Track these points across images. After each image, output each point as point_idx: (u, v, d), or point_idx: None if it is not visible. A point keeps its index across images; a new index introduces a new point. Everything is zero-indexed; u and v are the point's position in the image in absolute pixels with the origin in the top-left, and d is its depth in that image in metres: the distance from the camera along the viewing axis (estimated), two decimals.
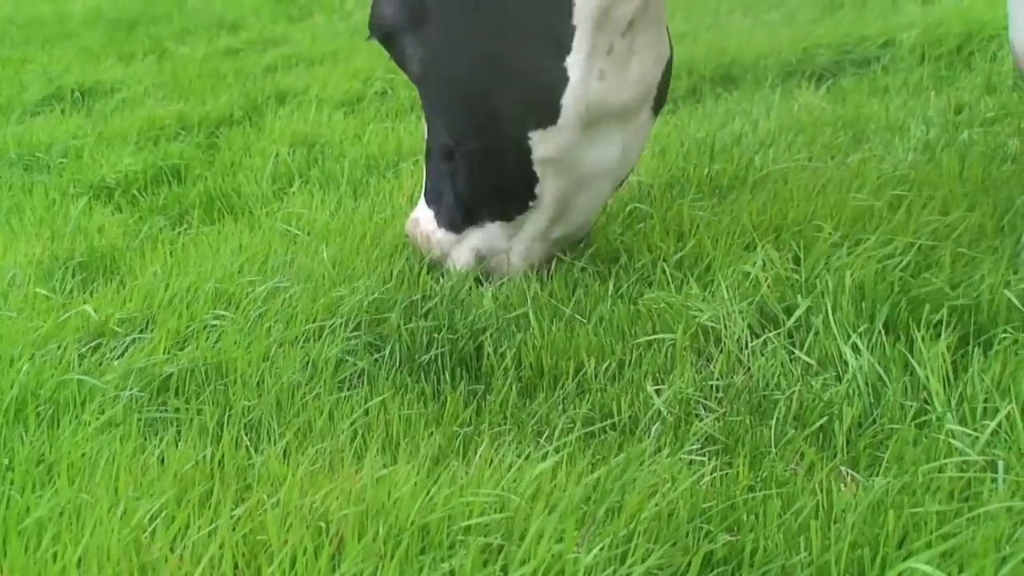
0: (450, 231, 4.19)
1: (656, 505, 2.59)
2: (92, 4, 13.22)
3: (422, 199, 4.29)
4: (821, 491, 2.68)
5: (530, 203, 4.05)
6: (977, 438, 2.79)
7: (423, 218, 4.24)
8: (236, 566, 2.49)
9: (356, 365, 3.52)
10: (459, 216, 4.17)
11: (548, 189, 4.00)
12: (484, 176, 4.05)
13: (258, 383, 3.43)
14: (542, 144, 3.87)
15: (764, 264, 3.85)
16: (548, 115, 3.82)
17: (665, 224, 4.41)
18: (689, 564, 2.42)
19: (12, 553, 2.55)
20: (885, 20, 7.99)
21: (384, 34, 3.99)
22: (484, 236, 4.19)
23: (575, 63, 3.74)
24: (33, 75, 9.52)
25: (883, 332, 3.33)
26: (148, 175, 6.30)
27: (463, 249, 4.21)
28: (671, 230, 4.35)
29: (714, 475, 2.79)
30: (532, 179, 3.98)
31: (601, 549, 2.42)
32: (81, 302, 4.17)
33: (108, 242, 5.04)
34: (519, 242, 4.18)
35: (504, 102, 3.85)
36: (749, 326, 3.53)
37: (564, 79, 3.76)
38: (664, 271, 3.99)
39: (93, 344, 3.82)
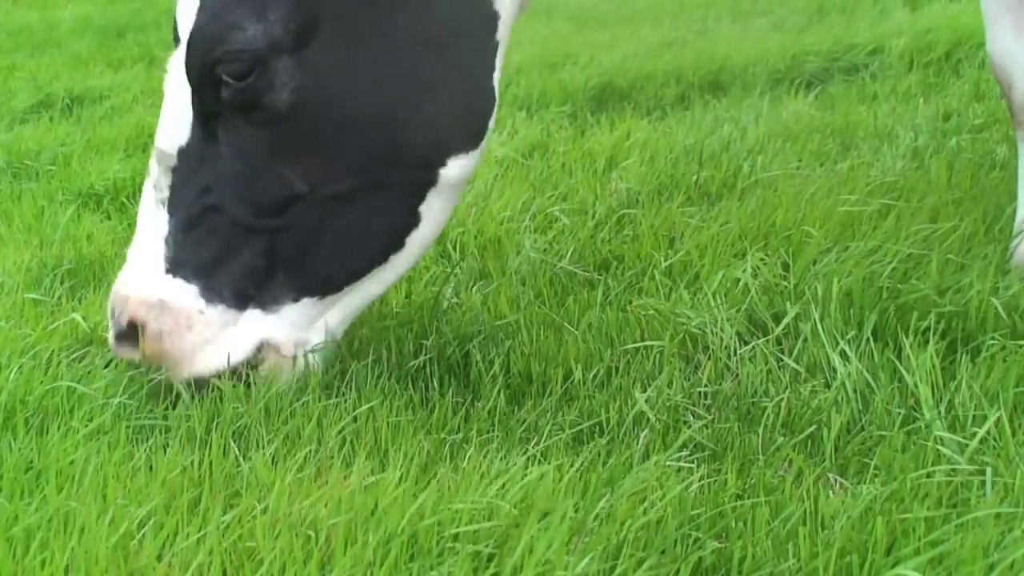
0: (231, 308, 3.36)
1: (645, 513, 2.59)
2: (81, 12, 13.21)
3: (150, 268, 3.36)
4: (809, 498, 2.68)
5: (391, 256, 3.44)
6: (966, 445, 2.80)
7: (170, 292, 3.33)
8: (224, 573, 2.49)
9: (344, 371, 3.52)
10: (251, 289, 3.37)
11: (419, 236, 3.45)
12: (344, 227, 3.35)
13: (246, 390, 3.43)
14: (456, 170, 3.40)
15: (753, 271, 3.85)
16: (474, 138, 3.43)
17: (654, 231, 4.42)
18: (678, 572, 2.42)
19: (0, 560, 2.55)
20: (874, 27, 8.01)
21: (224, 59, 3.20)
22: (280, 321, 3.41)
23: (496, 82, 3.48)
24: (22, 82, 9.51)
25: (871, 339, 3.34)
26: (136, 182, 6.27)
27: (242, 336, 3.38)
28: (660, 237, 4.35)
29: (702, 482, 2.79)
30: (411, 224, 3.42)
31: (592, 558, 2.42)
32: (70, 309, 4.17)
33: (96, 249, 5.03)
34: (318, 328, 3.48)
35: (425, 125, 3.34)
36: (738, 333, 3.54)
37: (492, 99, 3.46)
38: (653, 278, 3.99)
39: (82, 351, 3.82)
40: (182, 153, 3.33)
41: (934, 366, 3.15)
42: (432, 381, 3.47)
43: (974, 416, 2.94)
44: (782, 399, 3.13)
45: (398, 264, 3.47)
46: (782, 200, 4.55)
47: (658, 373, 3.40)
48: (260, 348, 3.40)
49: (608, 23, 9.98)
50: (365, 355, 3.59)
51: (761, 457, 2.92)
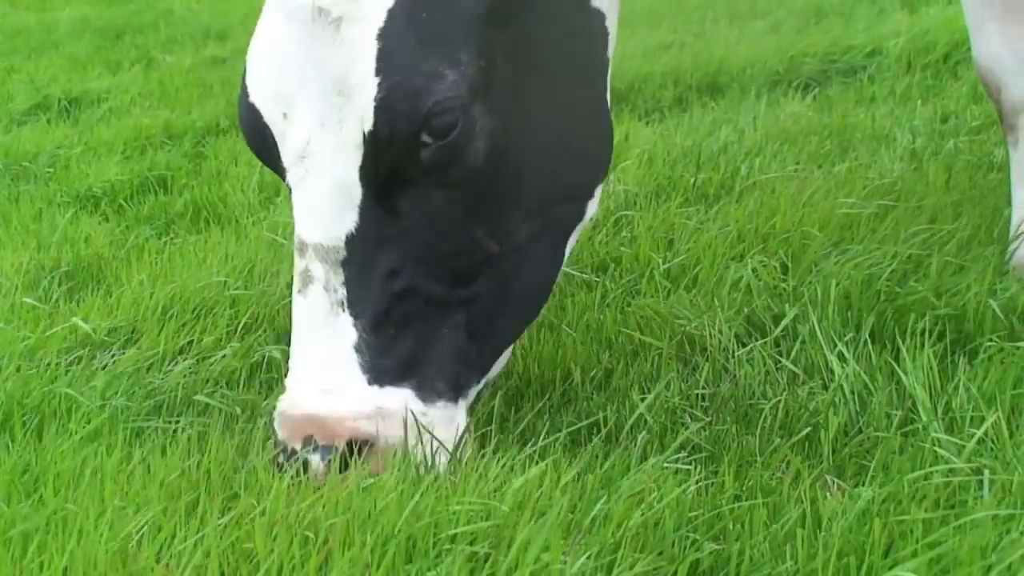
0: (453, 398, 2.96)
1: (642, 514, 2.59)
2: (78, 14, 13.19)
3: (352, 383, 2.87)
4: (807, 499, 2.68)
5: (543, 305, 3.28)
6: (963, 447, 2.80)
7: (385, 402, 2.86)
8: (223, 575, 2.49)
9: None
10: (461, 374, 3.00)
11: (556, 278, 3.27)
12: (521, 281, 3.09)
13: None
14: (596, 200, 3.24)
15: (752, 273, 3.85)
16: (608, 163, 3.31)
17: (652, 233, 4.42)
18: (675, 573, 2.42)
19: None
20: (871, 29, 8.00)
21: (434, 113, 2.80)
22: (467, 401, 3.07)
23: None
24: (19, 84, 9.51)
25: (869, 341, 3.34)
26: (134, 184, 6.30)
27: (457, 420, 2.98)
28: (658, 239, 4.35)
29: (700, 483, 2.79)
30: (560, 264, 3.22)
31: (588, 558, 2.41)
32: (68, 312, 4.17)
33: (94, 251, 5.04)
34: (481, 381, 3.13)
35: (585, 154, 3.18)
36: (736, 335, 3.54)
37: (611, 126, 3.31)
38: (652, 280, 3.99)
39: (79, 354, 3.82)
40: (352, 242, 2.88)
41: (932, 368, 3.15)
42: None
43: (971, 418, 2.94)
44: (780, 401, 3.13)
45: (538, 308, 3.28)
46: (780, 202, 4.55)
47: (656, 375, 3.40)
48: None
49: None
50: None
51: (759, 459, 2.92)
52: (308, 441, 2.83)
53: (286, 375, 2.96)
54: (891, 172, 5.01)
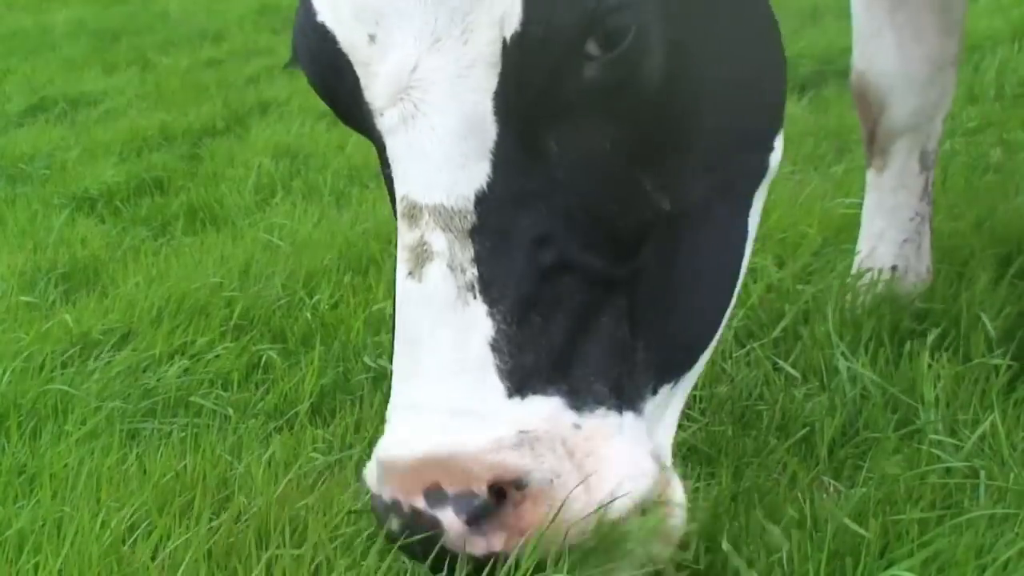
0: (611, 410, 2.11)
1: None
2: (75, 15, 13.20)
3: (484, 398, 2.03)
4: (805, 500, 2.67)
5: (737, 290, 2.41)
6: (960, 447, 2.80)
7: (529, 418, 2.02)
8: None
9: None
10: (624, 375, 2.15)
11: (748, 254, 2.43)
12: (702, 256, 2.28)
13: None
14: (778, 154, 2.47)
15: (750, 274, 3.85)
16: (784, 106, 2.59)
17: None
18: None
19: None
20: None
21: (603, 14, 1.97)
22: (653, 423, 2.24)
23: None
24: (16, 86, 9.52)
25: (866, 342, 3.34)
26: (131, 186, 6.29)
27: (637, 449, 2.14)
28: None
29: (697, 485, 2.79)
30: (747, 236, 2.40)
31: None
32: (63, 313, 4.17)
33: (91, 253, 5.04)
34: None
35: (768, 88, 2.49)
36: (735, 335, 3.53)
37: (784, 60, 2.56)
38: None
39: (75, 354, 3.82)
40: (485, 201, 2.06)
41: (929, 368, 3.15)
42: None
43: (968, 420, 2.94)
44: (777, 402, 3.13)
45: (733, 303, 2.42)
46: (777, 203, 4.55)
47: None
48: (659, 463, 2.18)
49: None
50: (360, 356, 3.59)
51: (756, 460, 2.92)
52: (433, 493, 2.00)
53: (389, 399, 2.16)
54: None
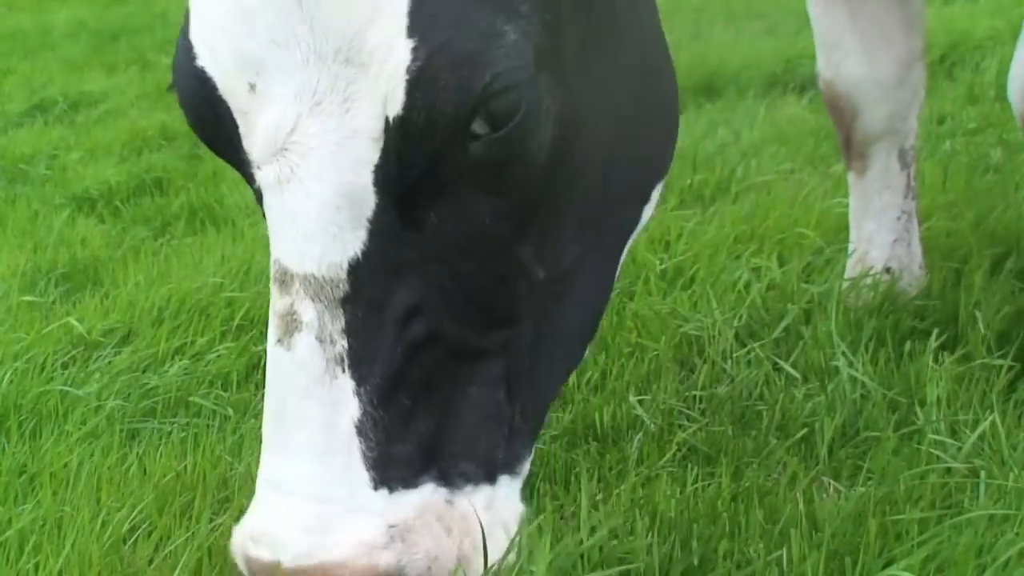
0: (487, 477, 2.07)
1: (640, 515, 2.59)
2: (75, 16, 13.20)
3: (356, 488, 1.94)
4: (805, 501, 2.68)
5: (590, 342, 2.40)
6: (960, 447, 2.80)
7: (399, 510, 1.94)
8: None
9: None
10: (503, 438, 2.10)
11: (605, 305, 2.42)
12: (567, 316, 2.21)
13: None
14: (653, 203, 2.38)
15: (751, 274, 3.85)
16: (672, 153, 2.46)
17: (649, 234, 4.41)
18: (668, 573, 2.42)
19: None
20: None
21: (495, 88, 1.87)
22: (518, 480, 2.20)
23: None
24: (16, 86, 9.52)
25: (867, 342, 3.34)
26: (131, 186, 6.30)
27: (508, 512, 2.13)
28: (655, 240, 4.35)
29: (696, 485, 2.79)
30: (610, 288, 2.39)
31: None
32: (64, 313, 4.17)
33: (91, 253, 5.04)
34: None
35: (650, 142, 2.35)
36: (736, 335, 3.53)
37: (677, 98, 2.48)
38: (648, 281, 3.99)
39: (75, 354, 3.82)
40: (358, 269, 1.96)
41: (929, 370, 3.15)
42: None
43: (967, 420, 2.94)
44: (777, 402, 3.13)
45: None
46: (776, 203, 4.55)
47: (653, 377, 3.40)
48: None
49: None
50: None
51: (755, 460, 2.92)
52: None
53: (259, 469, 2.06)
54: None
